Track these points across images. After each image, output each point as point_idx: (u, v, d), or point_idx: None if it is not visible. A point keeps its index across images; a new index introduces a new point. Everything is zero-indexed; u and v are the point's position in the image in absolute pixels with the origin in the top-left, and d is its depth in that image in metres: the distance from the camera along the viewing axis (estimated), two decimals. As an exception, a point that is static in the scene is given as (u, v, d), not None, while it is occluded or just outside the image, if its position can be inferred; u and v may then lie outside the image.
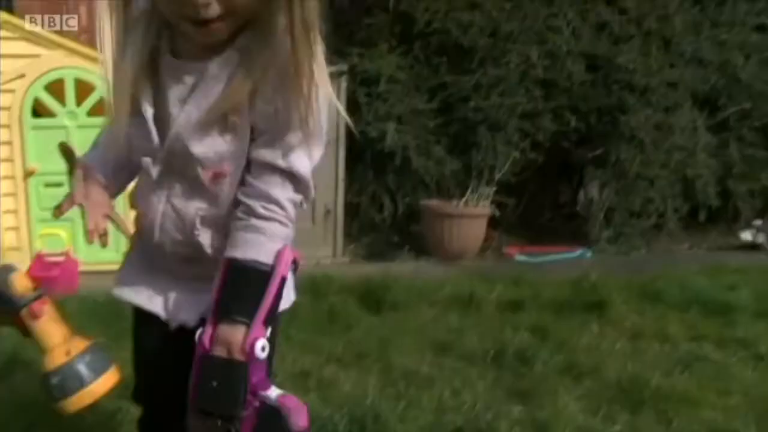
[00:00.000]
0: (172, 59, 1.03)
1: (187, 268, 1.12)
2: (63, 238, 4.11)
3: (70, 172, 1.17)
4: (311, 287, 3.25)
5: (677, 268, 4.17)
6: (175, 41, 1.03)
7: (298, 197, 1.03)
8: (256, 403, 0.96)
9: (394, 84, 4.88)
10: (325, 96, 1.01)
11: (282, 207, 1.02)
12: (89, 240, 1.02)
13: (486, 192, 4.84)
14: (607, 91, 5.15)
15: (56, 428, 1.95)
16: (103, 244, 1.05)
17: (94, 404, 0.81)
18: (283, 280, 0.99)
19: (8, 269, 0.81)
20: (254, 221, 1.01)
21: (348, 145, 4.56)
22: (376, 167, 4.90)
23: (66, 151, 1.15)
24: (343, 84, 4.47)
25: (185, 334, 1.05)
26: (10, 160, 4.02)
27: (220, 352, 0.95)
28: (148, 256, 1.17)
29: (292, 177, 1.02)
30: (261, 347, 0.96)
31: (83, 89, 3.99)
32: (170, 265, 1.14)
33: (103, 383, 0.81)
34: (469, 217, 4.76)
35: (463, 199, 4.81)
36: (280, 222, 1.02)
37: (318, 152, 1.05)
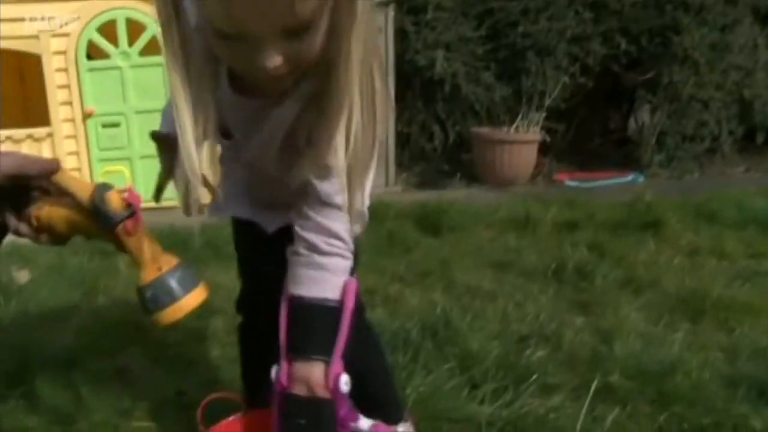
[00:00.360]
0: (231, 92, 0.98)
1: (272, 209, 1.20)
2: (125, 174, 4.27)
3: (161, 155, 1.23)
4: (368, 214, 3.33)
5: (733, 190, 4.12)
6: (234, 78, 0.98)
7: (357, 228, 1.02)
8: None
9: (442, 11, 4.82)
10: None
11: (343, 240, 1.00)
12: (187, 213, 1.02)
13: (536, 118, 4.82)
14: (660, 11, 5.00)
15: (141, 346, 2.11)
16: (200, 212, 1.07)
17: (185, 318, 0.85)
18: (353, 312, 1.00)
19: (105, 187, 0.82)
20: (317, 258, 0.99)
21: (397, 75, 4.56)
22: (425, 96, 4.90)
23: (156, 137, 1.21)
24: (391, 13, 4.45)
25: (282, 237, 1.09)
26: (68, 103, 4.16)
27: (299, 390, 0.96)
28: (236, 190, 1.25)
29: (350, 210, 0.99)
30: (344, 382, 0.97)
31: (134, 29, 4.06)
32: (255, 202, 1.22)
33: (192, 299, 0.84)
34: (520, 143, 4.76)
35: (514, 126, 4.81)
36: (343, 256, 1.00)
37: (370, 181, 1.04)
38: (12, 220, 0.86)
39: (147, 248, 0.83)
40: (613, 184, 4.78)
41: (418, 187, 4.79)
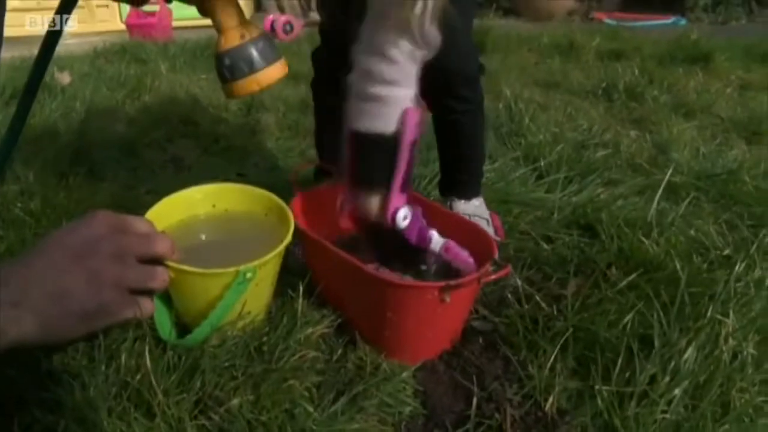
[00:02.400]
0: None
1: None
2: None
3: None
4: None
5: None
6: None
7: (419, 53, 0.93)
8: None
9: None
10: None
11: (400, 66, 0.92)
12: None
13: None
14: None
15: (192, 138, 2.08)
16: None
17: (260, 91, 0.80)
18: (414, 143, 0.95)
19: None
20: (371, 88, 0.93)
21: None
22: None
23: None
24: None
25: None
26: None
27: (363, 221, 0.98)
28: None
29: (416, 30, 0.91)
30: (402, 217, 0.96)
31: None
32: None
33: (270, 72, 0.79)
34: (562, -25, 4.51)
35: (557, -46, 4.54)
36: (400, 84, 0.93)
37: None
38: None
39: (232, 12, 0.78)
40: (654, 26, 4.58)
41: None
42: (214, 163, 1.90)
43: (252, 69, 0.78)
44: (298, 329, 1.00)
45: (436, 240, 1.02)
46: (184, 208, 1.10)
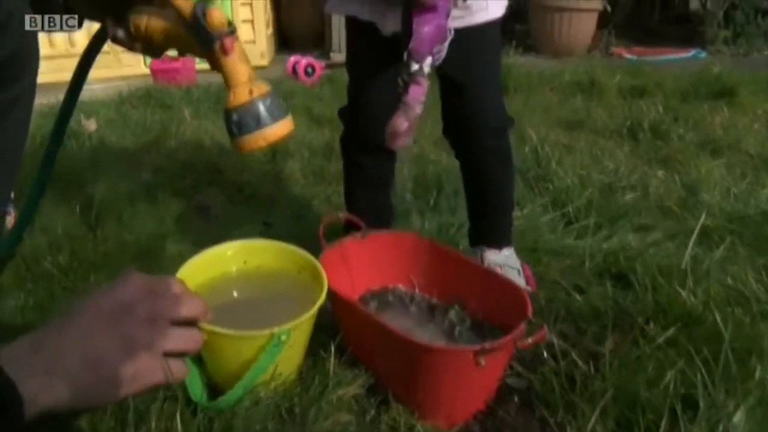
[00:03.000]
0: None
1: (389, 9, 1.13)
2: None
3: None
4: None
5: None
6: None
7: None
8: None
9: None
10: None
11: None
12: None
13: (598, -16, 4.56)
14: None
15: (218, 186, 2.09)
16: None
17: (267, 147, 0.81)
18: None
19: (207, 3, 0.78)
20: None
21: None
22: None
23: None
24: None
25: (397, 42, 1.04)
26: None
27: None
28: None
29: None
30: None
31: None
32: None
33: (277, 129, 0.79)
34: (579, 11, 4.51)
35: (575, -8, 4.55)
36: None
37: None
38: (111, 26, 0.84)
39: (241, 69, 0.79)
40: (674, 60, 4.57)
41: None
42: (239, 212, 1.91)
43: (259, 125, 0.79)
44: (330, 390, 0.98)
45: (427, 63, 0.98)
46: (216, 265, 1.10)
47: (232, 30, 0.78)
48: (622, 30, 5.08)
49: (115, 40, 0.86)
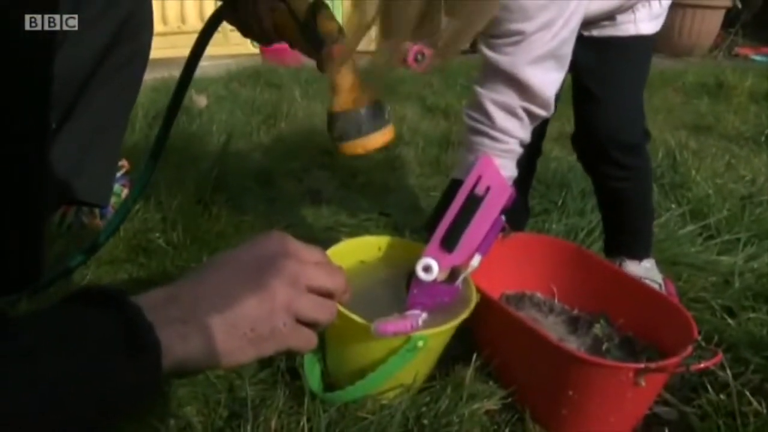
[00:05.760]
0: None
1: None
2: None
3: None
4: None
5: None
6: None
7: (519, 104, 0.98)
8: None
9: None
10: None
11: (489, 117, 0.99)
12: None
13: (727, -20, 4.27)
14: None
15: (329, 170, 2.07)
16: None
17: (366, 154, 0.81)
18: (474, 197, 0.91)
19: (320, 6, 0.80)
20: (467, 133, 1.03)
21: None
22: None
23: None
24: None
25: None
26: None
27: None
28: None
29: (517, 82, 0.96)
30: (423, 267, 0.90)
31: None
32: None
33: (377, 138, 0.79)
34: (704, 9, 4.25)
35: (701, -12, 4.29)
36: (487, 135, 1.00)
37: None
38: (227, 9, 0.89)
39: (347, 77, 0.79)
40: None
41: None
42: (352, 198, 1.87)
43: (360, 134, 0.80)
44: (463, 404, 0.93)
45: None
46: (361, 253, 1.07)
47: (341, 38, 0.79)
48: (749, 28, 4.76)
49: (231, 22, 0.91)
